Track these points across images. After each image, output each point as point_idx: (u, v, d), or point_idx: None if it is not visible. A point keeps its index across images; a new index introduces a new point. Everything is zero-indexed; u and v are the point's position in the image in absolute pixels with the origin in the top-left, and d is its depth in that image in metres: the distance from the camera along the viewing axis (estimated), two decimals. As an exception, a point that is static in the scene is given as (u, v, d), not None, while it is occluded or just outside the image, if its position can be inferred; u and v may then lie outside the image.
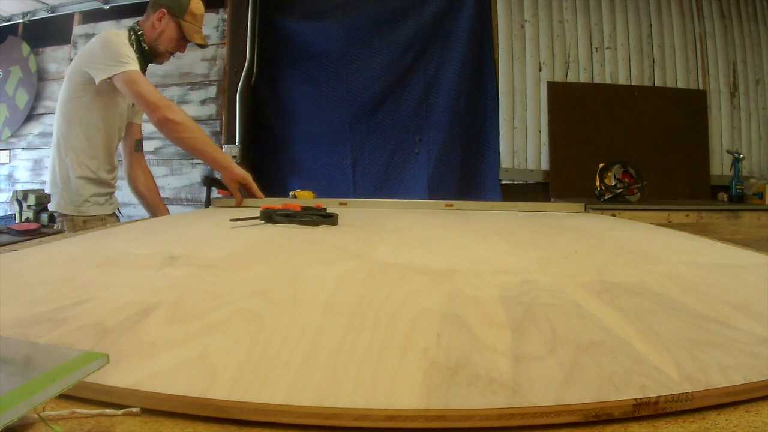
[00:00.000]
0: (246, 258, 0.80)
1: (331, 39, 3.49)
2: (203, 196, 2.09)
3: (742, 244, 0.98)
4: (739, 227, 1.54)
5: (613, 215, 2.28)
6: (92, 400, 0.33)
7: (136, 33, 1.70)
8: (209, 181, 1.84)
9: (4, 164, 4.12)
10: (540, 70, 3.49)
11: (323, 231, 1.13)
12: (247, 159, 3.55)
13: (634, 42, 3.49)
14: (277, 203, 1.58)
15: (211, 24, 3.67)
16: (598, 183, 3.17)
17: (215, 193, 1.94)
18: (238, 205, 1.64)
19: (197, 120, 3.68)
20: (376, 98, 3.49)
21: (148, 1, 1.85)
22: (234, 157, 3.46)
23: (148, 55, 1.72)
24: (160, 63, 1.75)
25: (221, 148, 3.57)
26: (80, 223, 1.77)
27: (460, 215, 1.50)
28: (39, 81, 3.97)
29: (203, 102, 3.67)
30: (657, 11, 3.51)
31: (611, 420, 0.32)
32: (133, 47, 1.67)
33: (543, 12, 3.48)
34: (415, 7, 3.45)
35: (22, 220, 3.59)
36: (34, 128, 4.03)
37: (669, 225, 1.53)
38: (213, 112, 3.66)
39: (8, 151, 4.11)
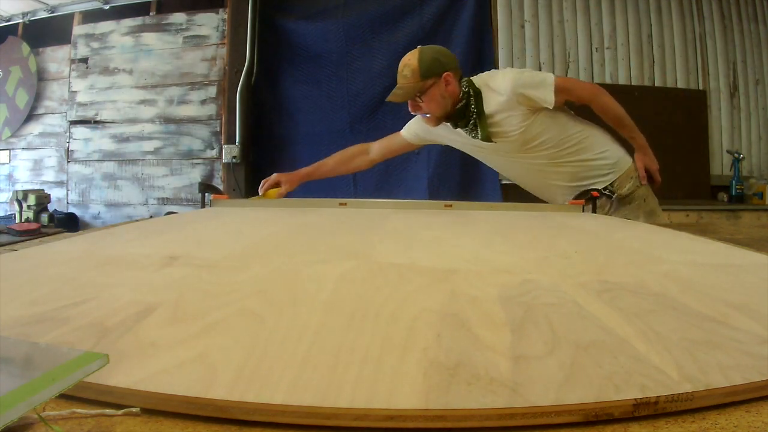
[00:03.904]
0: (246, 258, 0.80)
1: (332, 39, 3.49)
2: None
3: (742, 244, 0.98)
4: (739, 227, 1.54)
5: (613, 215, 2.27)
6: (92, 400, 0.33)
7: None
8: (204, 187, 1.86)
9: (4, 164, 4.12)
10: (540, 70, 3.49)
11: (323, 231, 1.12)
12: (247, 159, 3.55)
13: (634, 42, 3.50)
14: (275, 203, 1.58)
15: (211, 24, 3.67)
16: (598, 183, 3.16)
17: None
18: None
19: (197, 120, 3.70)
20: (376, 98, 3.49)
21: (149, 1, 1.86)
22: (234, 157, 3.47)
23: None
24: None
25: (221, 148, 3.58)
26: None
27: (460, 215, 1.50)
28: (39, 81, 3.97)
29: (203, 102, 3.67)
30: (657, 11, 3.51)
31: (611, 420, 0.32)
32: None
33: (543, 12, 3.48)
34: (415, 7, 3.45)
35: (22, 220, 3.60)
36: (34, 128, 4.03)
37: (669, 225, 1.53)
38: (213, 112, 3.66)
39: (8, 151, 4.11)
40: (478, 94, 1.63)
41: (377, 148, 1.95)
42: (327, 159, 1.97)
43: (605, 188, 1.73)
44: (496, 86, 1.62)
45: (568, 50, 3.49)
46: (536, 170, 1.78)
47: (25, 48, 3.99)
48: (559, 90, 1.60)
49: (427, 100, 1.61)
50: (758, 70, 3.58)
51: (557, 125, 1.67)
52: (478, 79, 1.67)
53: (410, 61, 1.59)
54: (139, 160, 3.79)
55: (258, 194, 1.83)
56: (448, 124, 1.72)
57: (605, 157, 1.73)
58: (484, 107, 1.63)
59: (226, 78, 3.60)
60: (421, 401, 0.32)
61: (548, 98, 1.59)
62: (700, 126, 3.49)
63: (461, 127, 1.69)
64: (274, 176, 1.83)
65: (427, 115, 1.67)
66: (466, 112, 1.64)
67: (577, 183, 1.76)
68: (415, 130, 1.88)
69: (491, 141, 1.68)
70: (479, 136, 1.67)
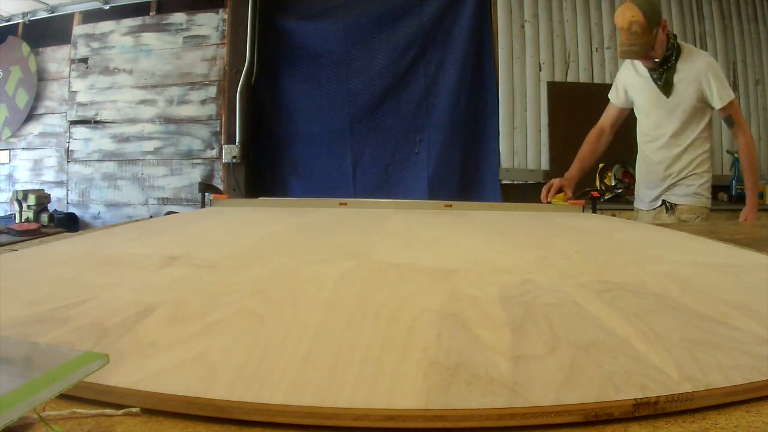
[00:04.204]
0: (246, 258, 0.80)
1: (332, 39, 3.49)
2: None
3: (742, 244, 0.98)
4: (739, 227, 1.54)
5: (613, 215, 2.28)
6: (92, 400, 0.33)
7: None
8: (204, 187, 1.87)
9: (4, 164, 4.12)
10: (540, 70, 3.48)
11: (323, 231, 1.12)
12: (247, 159, 3.55)
13: (634, 42, 3.49)
14: (275, 203, 1.57)
15: (211, 24, 3.67)
16: (598, 183, 3.17)
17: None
18: None
19: (197, 120, 3.70)
20: (376, 98, 3.49)
21: (149, 1, 1.92)
22: (234, 157, 3.47)
23: None
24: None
25: (221, 148, 3.58)
26: None
27: (460, 215, 1.50)
28: (39, 81, 3.97)
29: (203, 102, 3.67)
30: (657, 11, 3.51)
31: (611, 420, 0.32)
32: None
33: (543, 12, 3.48)
34: (415, 7, 3.46)
35: (22, 220, 3.60)
36: (34, 128, 4.03)
37: (669, 225, 1.53)
38: (213, 112, 3.66)
39: (8, 151, 4.11)
40: (680, 50, 1.84)
41: (608, 124, 2.09)
42: (581, 154, 2.11)
43: (670, 203, 1.92)
44: (698, 56, 1.84)
45: (568, 50, 3.49)
46: (654, 139, 1.95)
47: (25, 48, 3.99)
48: (732, 106, 1.80)
49: (656, 47, 1.79)
50: (758, 70, 3.58)
51: (703, 126, 1.86)
52: (681, 42, 1.89)
53: (635, 17, 1.72)
54: (139, 160, 3.79)
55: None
56: (640, 71, 1.91)
57: (701, 179, 1.90)
58: (678, 64, 1.84)
59: (226, 78, 3.60)
60: (421, 401, 0.32)
61: (722, 98, 1.78)
62: (700, 126, 3.48)
63: (652, 70, 1.86)
64: (556, 182, 1.97)
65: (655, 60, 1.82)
66: (668, 60, 1.83)
67: (663, 181, 1.92)
68: (618, 91, 2.02)
69: (668, 94, 1.86)
70: (661, 82, 1.86)
